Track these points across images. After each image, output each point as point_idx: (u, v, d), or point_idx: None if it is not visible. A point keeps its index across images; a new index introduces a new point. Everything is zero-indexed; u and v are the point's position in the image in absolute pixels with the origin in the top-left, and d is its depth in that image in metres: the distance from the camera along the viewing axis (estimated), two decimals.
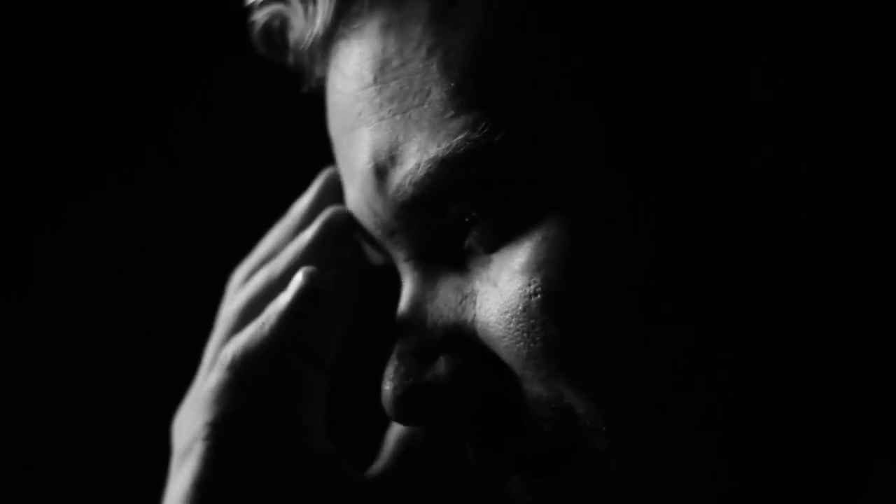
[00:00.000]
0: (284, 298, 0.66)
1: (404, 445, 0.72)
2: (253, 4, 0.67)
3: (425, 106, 0.60)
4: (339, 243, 0.67)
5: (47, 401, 1.09)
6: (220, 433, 0.66)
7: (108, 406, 1.09)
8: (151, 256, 1.10)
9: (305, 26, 0.64)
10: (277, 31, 0.67)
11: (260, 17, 0.67)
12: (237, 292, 0.71)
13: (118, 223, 1.10)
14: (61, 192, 1.09)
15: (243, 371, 0.66)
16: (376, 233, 0.64)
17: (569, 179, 0.58)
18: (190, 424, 0.67)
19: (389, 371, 0.63)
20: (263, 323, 0.66)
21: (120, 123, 1.10)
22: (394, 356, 0.63)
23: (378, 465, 0.72)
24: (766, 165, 0.58)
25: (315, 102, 0.69)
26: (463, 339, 0.62)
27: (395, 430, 0.73)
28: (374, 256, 0.68)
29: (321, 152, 0.69)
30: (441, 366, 0.62)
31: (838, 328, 0.59)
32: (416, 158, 0.60)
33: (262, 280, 0.69)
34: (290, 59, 0.67)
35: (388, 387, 0.62)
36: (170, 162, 1.10)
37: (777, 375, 0.58)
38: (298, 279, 0.66)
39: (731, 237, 0.58)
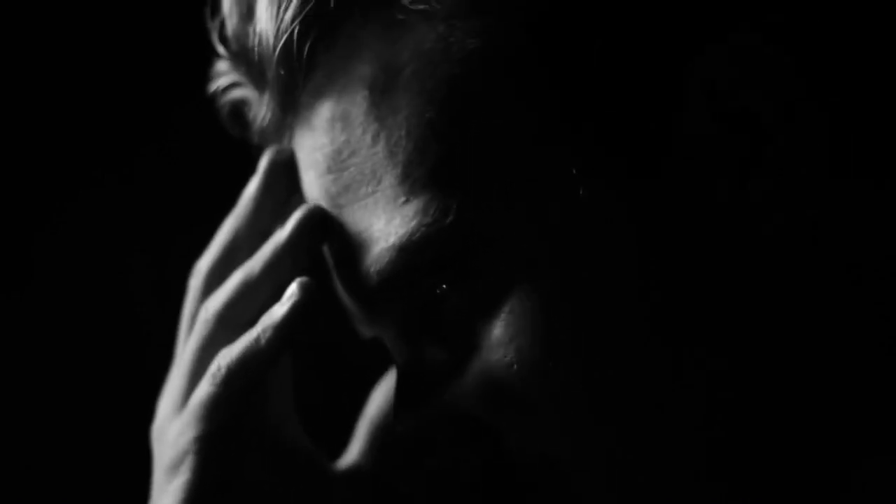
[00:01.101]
0: (280, 311, 0.65)
1: (377, 434, 0.72)
2: (216, 91, 0.69)
3: (378, 193, 0.61)
4: (316, 242, 0.67)
5: (47, 400, 1.09)
6: (213, 447, 0.65)
7: (107, 406, 1.09)
8: (151, 256, 1.10)
9: (261, 112, 0.66)
10: (243, 112, 0.69)
11: (225, 101, 0.69)
12: (211, 293, 0.70)
13: (118, 223, 1.10)
14: (62, 191, 1.10)
15: (238, 387, 0.65)
16: (358, 304, 0.65)
17: (526, 241, 0.59)
18: (177, 437, 0.66)
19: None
20: (259, 337, 0.65)
21: (120, 123, 1.10)
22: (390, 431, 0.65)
23: (351, 456, 0.72)
24: (720, 184, 0.59)
25: None
26: (453, 412, 0.63)
27: (367, 419, 0.73)
28: None
29: None
30: (437, 438, 0.64)
31: (818, 331, 0.59)
32: (378, 246, 0.61)
33: (239, 284, 0.68)
34: (255, 139, 0.68)
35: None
36: (170, 162, 1.10)
37: (760, 383, 0.59)
38: (294, 291, 0.65)
39: (699, 259, 0.59)
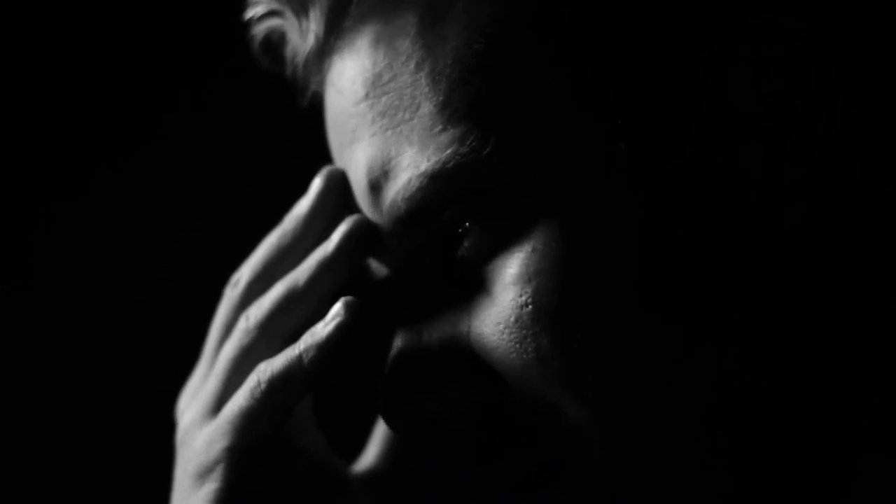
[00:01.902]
0: (325, 331, 0.64)
1: (394, 439, 0.72)
2: (251, 19, 0.67)
3: (415, 120, 0.60)
4: (361, 255, 0.66)
5: (47, 400, 1.09)
6: (246, 460, 0.65)
7: (107, 406, 1.09)
8: (152, 256, 1.10)
9: (300, 41, 0.65)
10: (276, 44, 0.68)
11: (258, 31, 0.68)
12: (247, 305, 0.69)
13: (119, 222, 1.10)
14: (62, 191, 1.09)
15: (276, 403, 0.65)
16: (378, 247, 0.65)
17: (559, 188, 0.59)
18: (208, 444, 0.66)
19: (386, 382, 0.62)
20: (301, 356, 0.64)
21: (121, 123, 1.10)
22: (390, 367, 0.63)
23: (368, 459, 0.72)
24: (751, 165, 0.58)
25: (314, 104, 0.69)
26: (459, 350, 0.61)
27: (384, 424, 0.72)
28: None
29: (321, 152, 0.69)
30: (438, 377, 0.62)
31: (825, 328, 0.59)
32: (407, 174, 0.60)
33: (283, 296, 0.67)
34: (288, 72, 0.67)
35: (385, 398, 0.62)
36: (171, 162, 1.10)
37: (768, 375, 0.58)
38: (339, 311, 0.64)
39: (719, 238, 0.58)
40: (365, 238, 0.65)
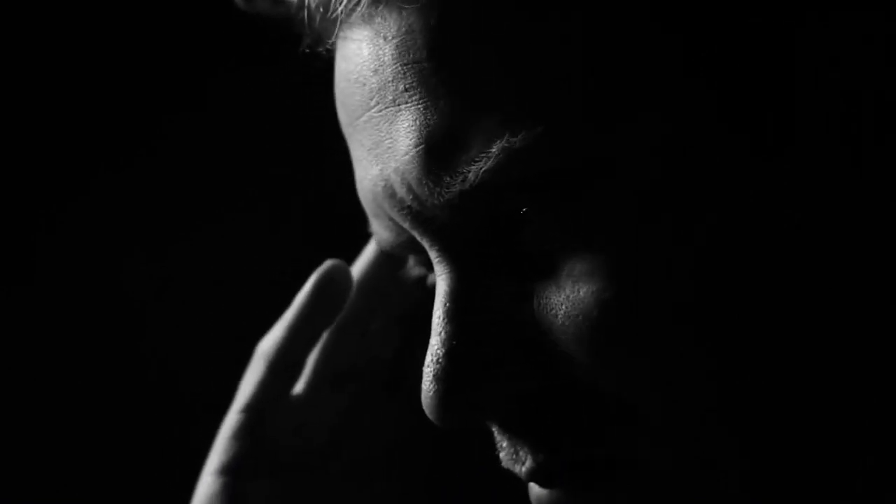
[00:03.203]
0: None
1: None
2: None
3: (493, 89, 0.56)
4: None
5: (47, 400, 1.09)
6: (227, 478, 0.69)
7: (107, 405, 1.09)
8: (152, 256, 1.10)
9: None
10: None
11: None
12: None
13: (119, 222, 1.10)
14: (62, 191, 1.09)
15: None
16: (407, 219, 0.60)
17: (647, 182, 0.56)
18: (205, 475, 0.70)
19: (431, 370, 0.58)
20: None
21: (121, 123, 1.10)
22: (437, 354, 0.59)
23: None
24: (841, 165, 0.56)
25: (314, 103, 0.68)
26: (515, 337, 0.58)
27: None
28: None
29: (322, 152, 0.69)
30: (492, 365, 0.58)
31: (827, 328, 0.58)
32: (482, 145, 0.56)
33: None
34: (300, 12, 0.61)
35: (430, 387, 0.58)
36: (171, 162, 1.10)
37: (769, 375, 0.58)
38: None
39: (808, 242, 0.56)
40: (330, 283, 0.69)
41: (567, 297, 0.57)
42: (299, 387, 0.71)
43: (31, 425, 1.10)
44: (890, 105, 0.56)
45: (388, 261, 0.70)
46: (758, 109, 0.56)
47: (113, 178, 1.10)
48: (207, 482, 0.69)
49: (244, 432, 0.70)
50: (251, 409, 0.70)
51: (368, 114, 0.60)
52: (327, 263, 0.71)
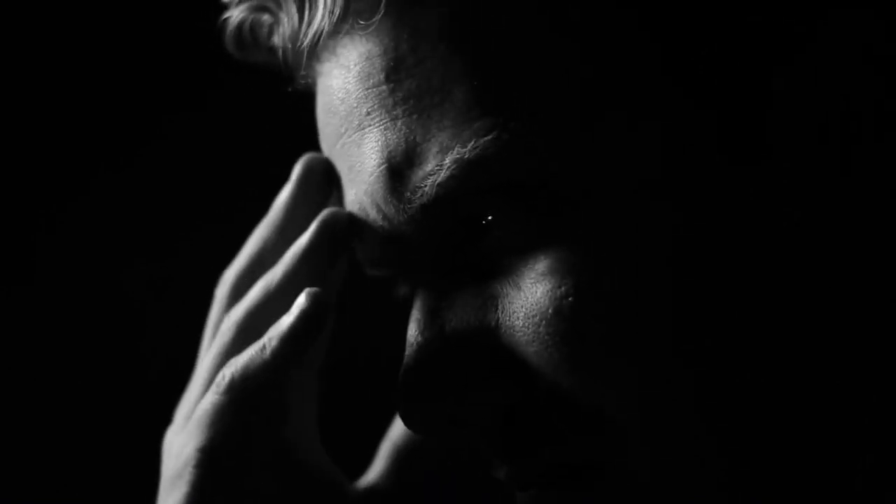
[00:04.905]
0: (287, 321, 0.63)
1: (399, 455, 0.71)
2: (229, 2, 0.65)
3: (446, 105, 0.57)
4: (338, 249, 0.65)
5: (47, 400, 1.09)
6: (213, 459, 0.63)
7: (107, 405, 1.09)
8: (152, 256, 1.11)
9: (301, 23, 0.61)
10: (251, 29, 0.65)
11: (235, 14, 0.65)
12: (233, 305, 0.68)
13: (119, 222, 1.10)
14: (62, 191, 1.10)
15: (241, 396, 0.63)
16: (378, 238, 0.62)
17: (606, 185, 0.56)
18: (180, 448, 0.65)
19: (405, 381, 0.60)
20: (265, 346, 0.63)
21: (121, 123, 1.10)
22: (409, 364, 0.60)
23: (372, 476, 0.71)
24: (823, 170, 0.56)
25: (314, 103, 0.69)
26: (484, 345, 0.59)
27: (390, 440, 0.72)
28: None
29: (321, 151, 0.69)
30: (462, 375, 0.59)
31: (827, 327, 0.58)
32: (437, 159, 0.57)
33: (260, 293, 0.66)
34: (278, 56, 0.64)
35: (405, 399, 0.60)
36: (171, 162, 1.10)
37: (768, 374, 0.58)
38: (301, 302, 0.63)
39: (775, 241, 0.57)
40: (344, 229, 0.63)
41: (526, 299, 0.57)
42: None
43: (31, 425, 1.10)
44: (876, 108, 0.56)
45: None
46: (736, 118, 0.56)
47: (113, 179, 1.10)
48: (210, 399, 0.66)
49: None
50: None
51: (341, 141, 0.62)
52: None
